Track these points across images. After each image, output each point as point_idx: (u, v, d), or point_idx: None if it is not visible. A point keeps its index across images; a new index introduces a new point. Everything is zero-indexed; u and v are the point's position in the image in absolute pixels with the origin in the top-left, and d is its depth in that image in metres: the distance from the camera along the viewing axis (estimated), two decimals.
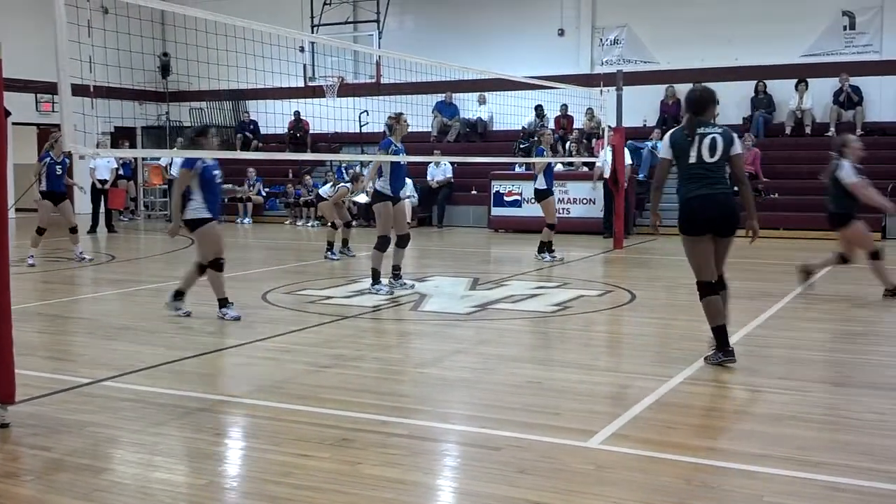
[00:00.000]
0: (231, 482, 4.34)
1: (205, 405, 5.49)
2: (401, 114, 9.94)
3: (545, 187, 12.45)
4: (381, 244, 9.65)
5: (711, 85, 21.70)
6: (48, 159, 12.51)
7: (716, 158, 6.21)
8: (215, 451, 4.73)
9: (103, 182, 18.93)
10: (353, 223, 14.47)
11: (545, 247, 12.64)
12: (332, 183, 14.91)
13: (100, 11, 17.23)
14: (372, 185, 10.07)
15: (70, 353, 7.22)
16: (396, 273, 9.99)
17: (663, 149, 6.49)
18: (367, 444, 4.71)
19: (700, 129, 6.25)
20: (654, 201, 6.77)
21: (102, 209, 19.01)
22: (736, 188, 6.53)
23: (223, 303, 8.39)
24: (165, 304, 8.52)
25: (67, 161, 12.76)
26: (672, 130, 6.58)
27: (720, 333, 6.27)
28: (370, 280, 9.81)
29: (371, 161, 11.10)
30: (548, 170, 12.51)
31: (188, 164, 8.37)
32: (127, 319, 8.66)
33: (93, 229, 18.41)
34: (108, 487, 4.15)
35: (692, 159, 6.21)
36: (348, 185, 13.67)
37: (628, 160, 16.84)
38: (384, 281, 9.78)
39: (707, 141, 6.21)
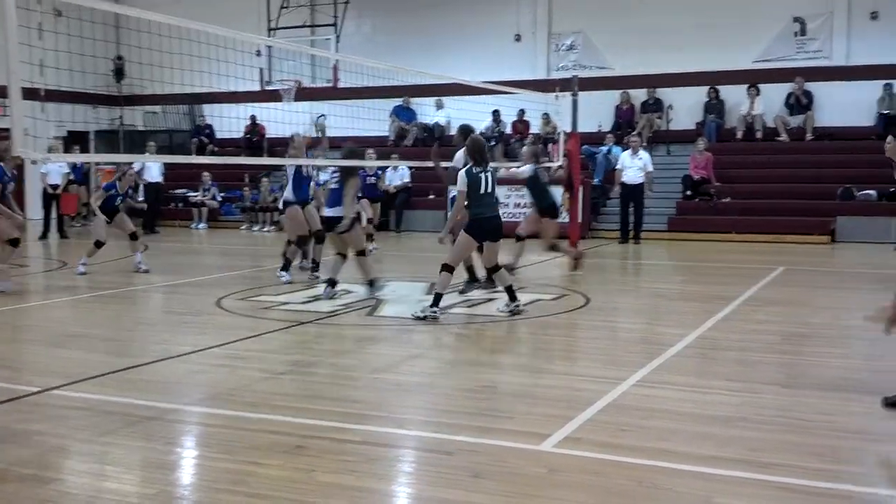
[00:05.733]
0: (182, 491, 4.30)
1: (156, 413, 5.43)
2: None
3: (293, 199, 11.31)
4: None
5: (665, 91, 21.97)
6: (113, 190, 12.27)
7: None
8: (166, 461, 4.68)
9: (55, 187, 18.67)
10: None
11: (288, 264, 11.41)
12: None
13: (52, 14, 16.96)
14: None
15: (19, 362, 7.10)
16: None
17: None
18: (322, 451, 4.69)
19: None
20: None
21: (54, 215, 18.73)
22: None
23: None
24: None
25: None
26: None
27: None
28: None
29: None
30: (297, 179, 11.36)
31: None
32: (78, 327, 8.54)
33: (44, 235, 18.13)
34: (56, 498, 4.09)
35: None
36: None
37: (627, 164, 16.69)
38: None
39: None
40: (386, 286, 9.95)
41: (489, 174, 8.50)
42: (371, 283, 9.81)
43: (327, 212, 9.85)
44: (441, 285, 8.46)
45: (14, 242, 10.39)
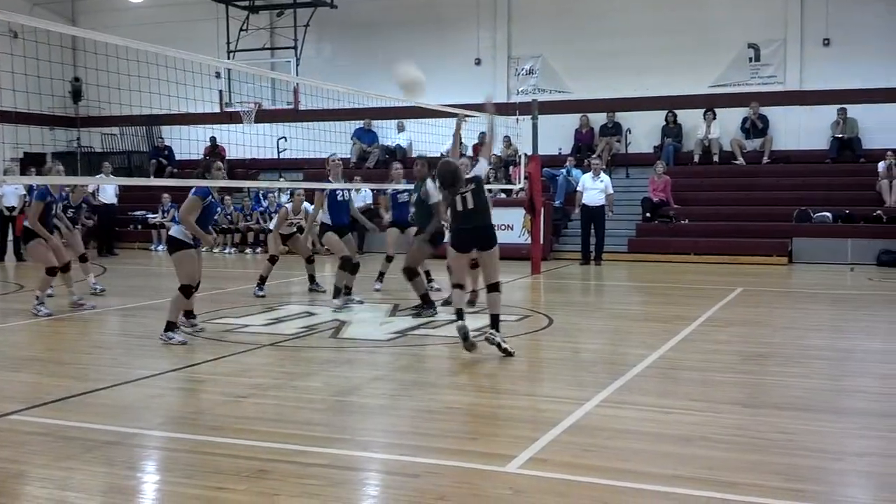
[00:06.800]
0: None
1: (116, 438, 5.35)
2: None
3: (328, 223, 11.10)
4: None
5: (623, 114, 22.18)
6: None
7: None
8: (127, 486, 4.61)
9: (11, 209, 18.38)
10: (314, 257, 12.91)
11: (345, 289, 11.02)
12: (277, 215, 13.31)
13: (8, 36, 16.78)
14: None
15: None
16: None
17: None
18: (285, 474, 4.65)
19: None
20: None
21: (11, 237, 18.44)
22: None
23: None
24: None
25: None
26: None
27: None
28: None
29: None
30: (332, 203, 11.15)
31: None
32: (35, 350, 8.40)
33: (0, 258, 17.84)
34: None
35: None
36: (287, 205, 12.96)
37: (588, 186, 16.62)
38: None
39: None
40: (202, 328, 9.23)
41: (467, 192, 7.93)
42: (188, 315, 9.22)
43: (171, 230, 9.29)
44: (455, 302, 7.98)
45: (50, 271, 10.33)
